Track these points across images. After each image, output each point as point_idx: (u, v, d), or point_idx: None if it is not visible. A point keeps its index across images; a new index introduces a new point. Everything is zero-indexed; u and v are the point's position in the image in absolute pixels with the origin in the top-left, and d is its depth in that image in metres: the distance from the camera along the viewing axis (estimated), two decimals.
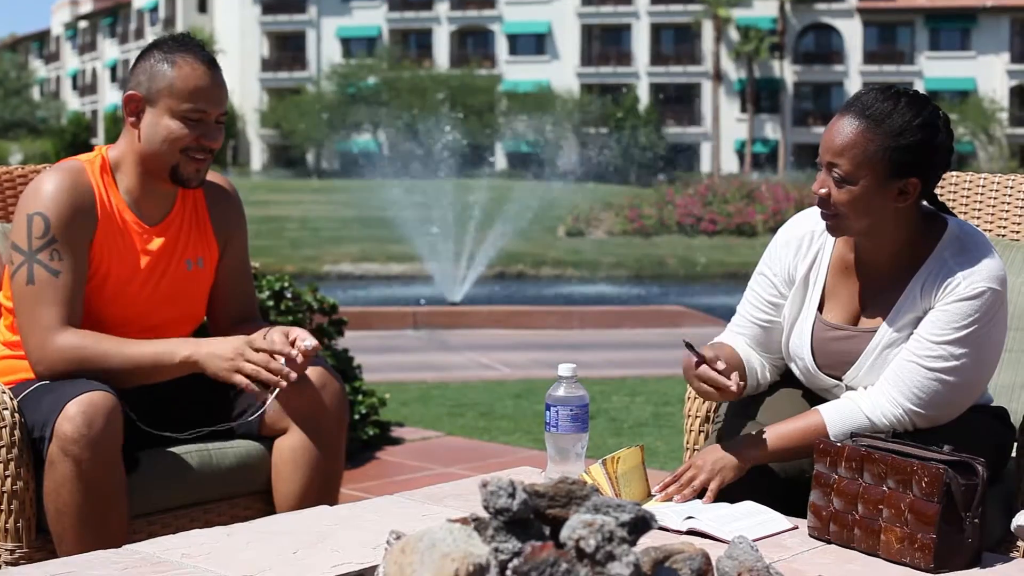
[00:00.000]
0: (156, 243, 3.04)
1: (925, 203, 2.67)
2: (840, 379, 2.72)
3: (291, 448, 3.06)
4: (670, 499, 2.54)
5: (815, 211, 2.74)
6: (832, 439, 2.49)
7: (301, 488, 3.04)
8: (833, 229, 2.62)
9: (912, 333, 2.60)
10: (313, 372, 3.05)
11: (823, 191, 2.56)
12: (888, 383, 2.59)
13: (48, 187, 2.91)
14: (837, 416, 2.59)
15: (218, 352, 2.90)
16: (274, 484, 3.09)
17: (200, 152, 2.97)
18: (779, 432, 2.61)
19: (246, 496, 3.12)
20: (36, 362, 2.90)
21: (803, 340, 2.74)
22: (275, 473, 3.09)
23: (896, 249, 2.63)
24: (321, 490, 3.04)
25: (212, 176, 3.17)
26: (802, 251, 2.76)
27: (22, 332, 2.92)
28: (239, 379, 2.89)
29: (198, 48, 2.99)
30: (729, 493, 2.55)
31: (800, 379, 2.81)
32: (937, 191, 3.27)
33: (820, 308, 2.74)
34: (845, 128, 2.53)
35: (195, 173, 2.99)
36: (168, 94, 2.93)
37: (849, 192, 2.53)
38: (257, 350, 2.90)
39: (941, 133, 2.56)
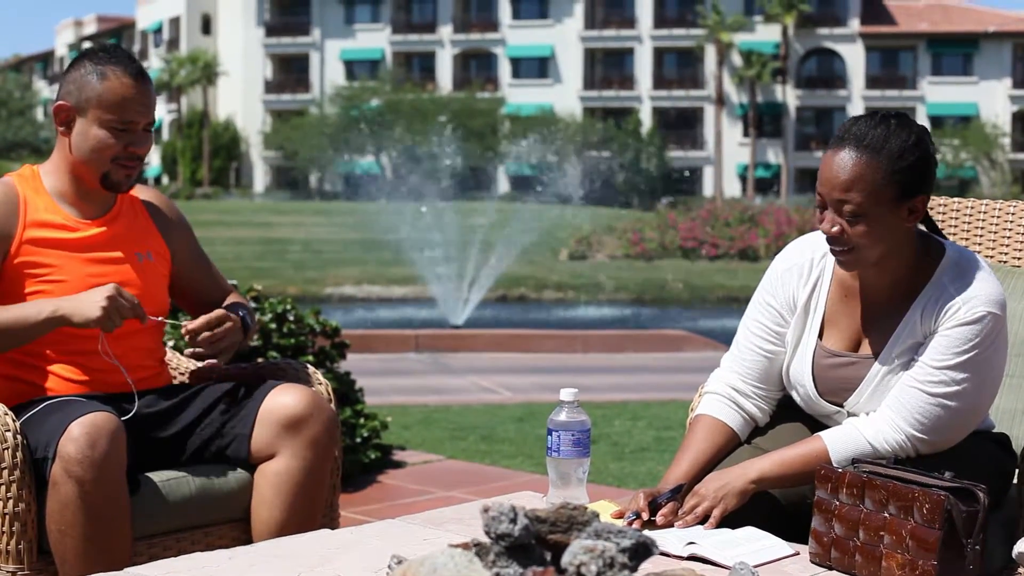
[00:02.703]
0: (95, 231, 3.10)
1: (920, 226, 2.68)
2: (841, 406, 2.72)
3: (275, 473, 3.04)
4: (671, 524, 2.54)
5: (812, 237, 2.74)
6: (835, 465, 2.49)
7: (282, 515, 3.02)
8: (849, 264, 2.60)
9: (913, 359, 2.61)
10: (305, 397, 3.06)
11: (835, 229, 2.55)
12: (890, 409, 2.60)
13: None
14: (839, 442, 2.59)
15: (86, 300, 2.90)
16: (253, 510, 3.06)
17: (129, 160, 3.06)
18: (782, 458, 2.61)
19: (249, 520, 3.11)
20: None
21: (804, 367, 2.74)
22: (256, 499, 3.06)
23: (898, 275, 2.63)
24: (303, 519, 3.02)
25: (144, 191, 3.29)
26: (803, 278, 2.75)
27: None
28: (108, 322, 2.88)
29: (127, 59, 3.07)
30: (731, 518, 2.55)
31: (801, 406, 2.81)
32: (939, 218, 3.29)
33: (820, 335, 2.74)
34: (846, 163, 2.52)
35: (125, 179, 3.09)
36: (97, 105, 3.02)
37: (866, 224, 2.52)
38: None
39: (932, 146, 2.58)
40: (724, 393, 2.82)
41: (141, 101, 3.04)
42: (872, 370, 2.65)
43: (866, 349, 2.69)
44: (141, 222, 3.21)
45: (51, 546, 2.79)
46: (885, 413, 2.60)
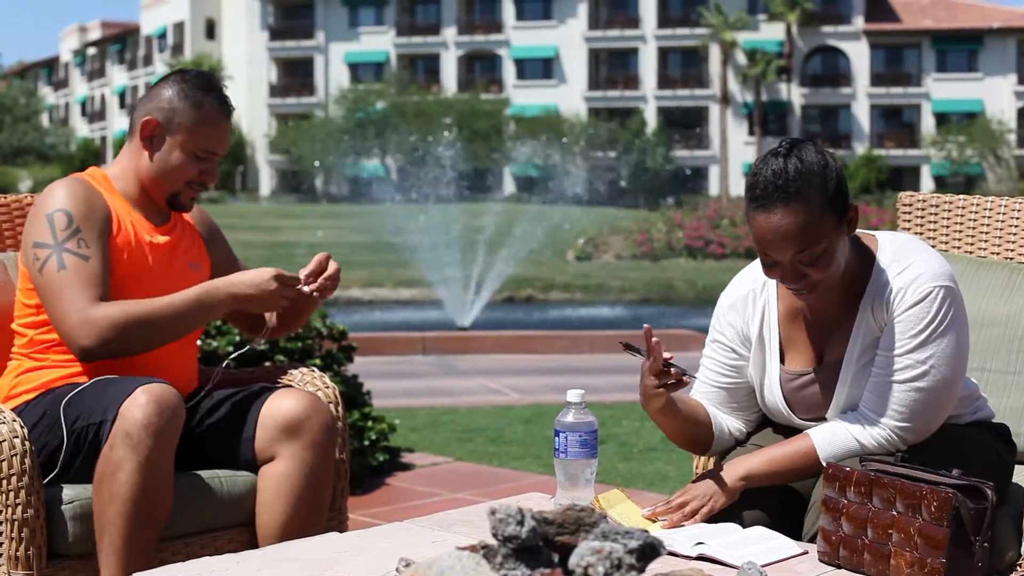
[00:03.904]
0: (163, 240, 3.17)
1: None
2: (824, 420, 2.72)
3: (275, 476, 3.06)
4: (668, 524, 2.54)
5: (750, 270, 2.79)
6: (823, 462, 2.50)
7: (284, 518, 3.03)
8: (817, 296, 2.60)
9: (876, 354, 2.61)
10: (302, 401, 3.08)
11: (801, 282, 2.55)
12: (869, 406, 2.60)
13: (61, 190, 3.05)
14: (827, 440, 2.61)
15: (258, 282, 3.04)
16: (257, 513, 3.07)
17: (200, 185, 3.16)
18: (770, 456, 2.62)
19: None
20: (82, 337, 2.90)
21: (775, 395, 2.75)
22: (259, 502, 3.07)
23: (844, 281, 2.63)
24: (306, 521, 3.03)
25: None
26: (748, 311, 2.78)
27: (58, 316, 2.93)
28: (277, 305, 3.07)
29: (220, 91, 3.17)
30: (739, 518, 2.55)
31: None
32: (946, 214, 3.30)
33: (783, 360, 2.75)
34: (786, 220, 2.49)
35: (189, 201, 3.20)
36: (186, 130, 3.10)
37: (824, 259, 2.52)
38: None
39: (832, 154, 2.58)
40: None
41: (226, 134, 3.18)
42: (840, 378, 2.66)
43: (829, 360, 2.69)
44: (190, 233, 3.29)
45: (94, 511, 2.78)
46: (866, 411, 2.61)
